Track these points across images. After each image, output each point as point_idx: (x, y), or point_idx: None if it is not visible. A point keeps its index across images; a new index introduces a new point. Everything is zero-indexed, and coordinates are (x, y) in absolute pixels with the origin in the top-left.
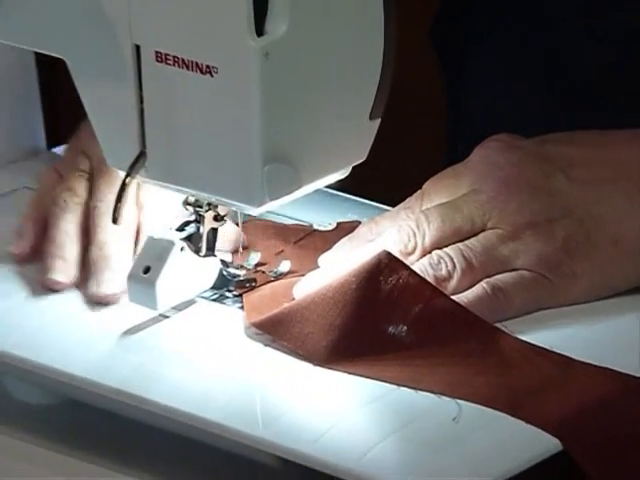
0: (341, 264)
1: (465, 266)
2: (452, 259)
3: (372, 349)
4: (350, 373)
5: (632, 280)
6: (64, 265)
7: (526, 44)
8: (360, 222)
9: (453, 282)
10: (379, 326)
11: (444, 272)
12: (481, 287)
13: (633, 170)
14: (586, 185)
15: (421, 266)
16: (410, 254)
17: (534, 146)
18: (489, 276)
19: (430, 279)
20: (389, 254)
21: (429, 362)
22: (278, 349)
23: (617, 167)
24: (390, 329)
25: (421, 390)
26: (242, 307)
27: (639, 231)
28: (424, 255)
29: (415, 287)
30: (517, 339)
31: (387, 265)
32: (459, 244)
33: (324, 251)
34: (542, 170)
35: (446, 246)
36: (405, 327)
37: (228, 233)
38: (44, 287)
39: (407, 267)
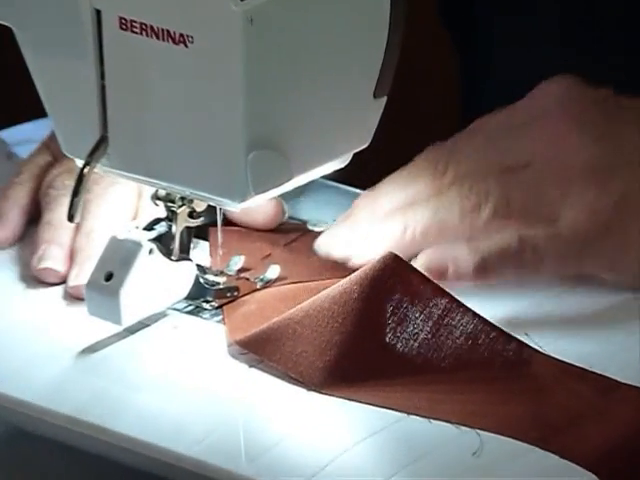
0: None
1: (500, 199)
2: (487, 189)
3: (377, 371)
4: (351, 399)
5: None
6: (61, 253)
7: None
8: None
9: (483, 216)
10: (385, 344)
11: (473, 202)
12: (508, 236)
13: None
14: None
15: (449, 197)
16: (441, 177)
17: (607, 91)
18: (527, 220)
19: (456, 214)
20: (396, 257)
21: (445, 387)
22: (266, 371)
23: None
24: (399, 347)
25: (435, 419)
26: (222, 321)
27: None
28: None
29: (428, 296)
30: (549, 358)
31: (394, 270)
32: (500, 175)
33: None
34: (611, 115)
35: None
36: (416, 344)
37: (265, 207)
38: (36, 276)
39: (418, 272)
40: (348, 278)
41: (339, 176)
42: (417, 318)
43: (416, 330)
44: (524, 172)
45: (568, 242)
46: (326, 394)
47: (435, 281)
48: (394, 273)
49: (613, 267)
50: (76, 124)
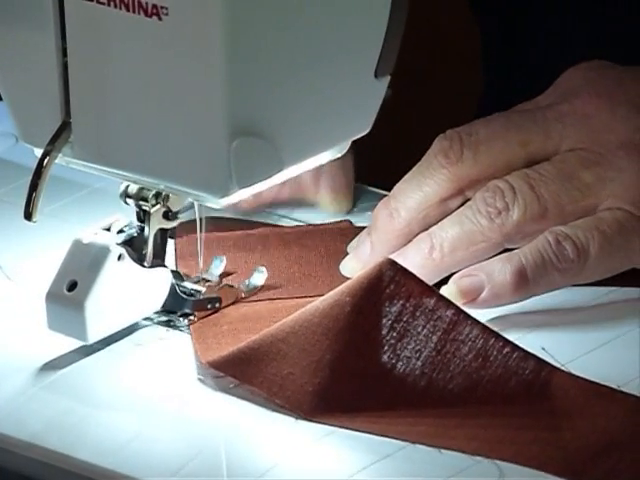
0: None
1: (530, 196)
2: (512, 187)
3: (375, 395)
4: (346, 428)
5: None
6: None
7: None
8: (350, 223)
9: (512, 219)
10: (384, 363)
11: (499, 204)
12: (543, 237)
13: None
14: None
15: (472, 203)
16: (456, 163)
17: (637, 67)
18: (563, 215)
19: (483, 222)
20: (394, 263)
21: (454, 411)
22: (246, 398)
23: None
24: (399, 367)
25: (446, 449)
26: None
27: None
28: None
29: (432, 308)
30: (572, 376)
31: (392, 278)
32: (525, 169)
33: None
34: None
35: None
36: (419, 363)
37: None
38: None
39: (418, 279)
40: (339, 288)
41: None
42: (420, 333)
43: (419, 347)
44: (552, 161)
45: (612, 232)
46: (318, 422)
47: (473, 306)
48: (392, 281)
49: None
50: (34, 108)
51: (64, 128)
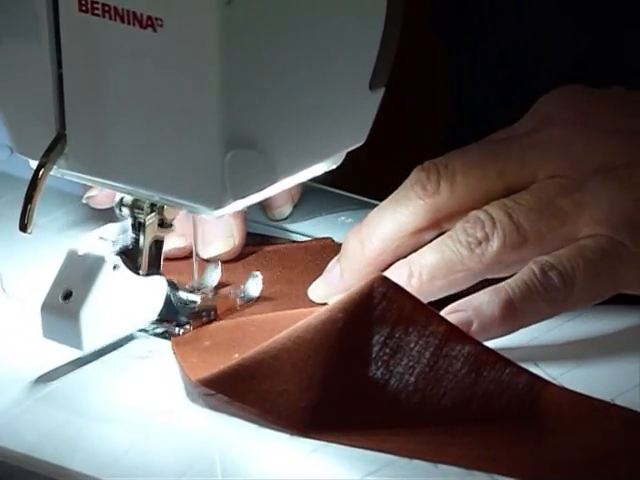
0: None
1: (509, 226)
2: (492, 217)
3: (369, 410)
4: (341, 443)
5: None
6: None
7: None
8: (332, 240)
9: (493, 246)
10: (377, 379)
11: (479, 234)
12: (529, 269)
13: None
14: None
15: (452, 233)
16: (433, 196)
17: (617, 89)
18: (544, 243)
19: (463, 251)
20: (385, 279)
21: (448, 427)
22: (237, 415)
23: None
24: (392, 382)
25: (442, 463)
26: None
27: None
28: (450, 216)
29: (424, 323)
30: (566, 391)
31: (384, 294)
32: (503, 199)
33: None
34: (624, 110)
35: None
36: (412, 379)
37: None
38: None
39: (411, 295)
40: (331, 305)
41: (329, 179)
42: (412, 349)
43: (412, 363)
44: (530, 189)
45: (597, 258)
46: (311, 438)
47: None
48: (384, 297)
49: None
50: (29, 120)
51: (59, 140)
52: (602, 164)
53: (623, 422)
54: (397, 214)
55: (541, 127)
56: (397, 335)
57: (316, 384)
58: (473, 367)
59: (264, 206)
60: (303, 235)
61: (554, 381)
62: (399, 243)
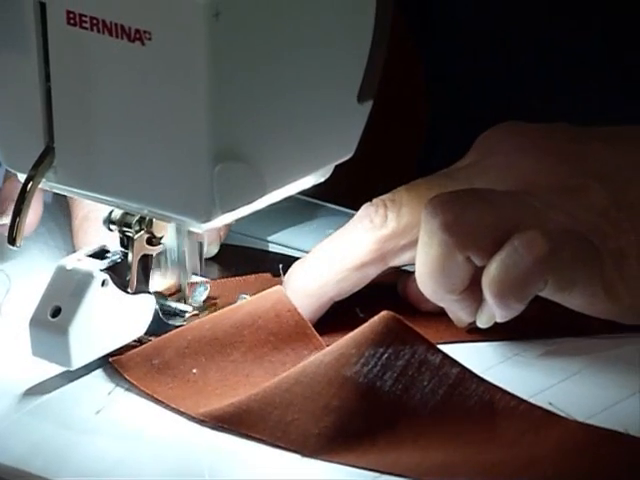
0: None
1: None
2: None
3: (383, 435)
4: (353, 466)
5: None
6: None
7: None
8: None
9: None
10: (391, 408)
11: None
12: (510, 243)
13: None
14: (630, 154)
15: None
16: (379, 229)
17: (560, 123)
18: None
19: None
20: (397, 319)
21: (461, 448)
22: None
23: None
24: (406, 410)
25: None
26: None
27: None
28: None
29: (437, 365)
30: (579, 423)
31: (397, 334)
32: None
33: None
34: (576, 136)
35: None
36: (426, 412)
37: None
38: None
39: (423, 338)
40: (343, 341)
41: (318, 192)
42: (425, 387)
43: (425, 398)
44: None
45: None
46: (324, 460)
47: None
48: (397, 338)
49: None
50: (17, 133)
51: (47, 153)
52: (556, 183)
53: (635, 451)
54: (342, 247)
55: (488, 155)
56: (410, 373)
57: (329, 412)
58: (487, 404)
59: None
60: (289, 248)
61: (569, 417)
62: (342, 276)
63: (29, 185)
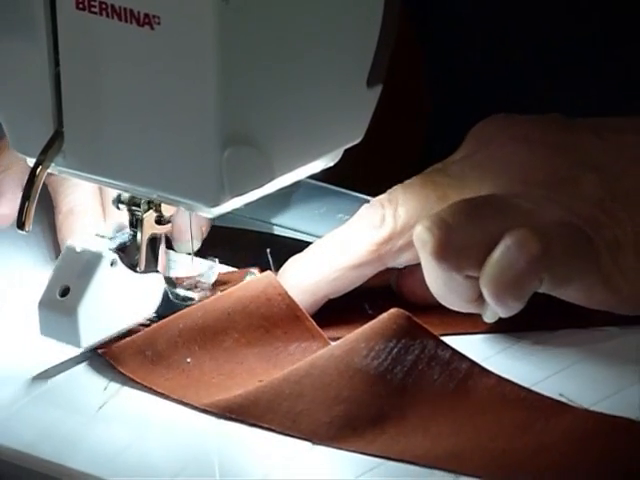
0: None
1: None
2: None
3: (393, 423)
4: (362, 453)
5: None
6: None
7: None
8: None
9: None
10: (402, 399)
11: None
12: (503, 242)
13: None
14: (623, 147)
15: None
16: (379, 229)
17: (553, 114)
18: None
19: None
20: (408, 316)
21: (471, 435)
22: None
23: None
24: (417, 401)
25: (464, 475)
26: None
27: None
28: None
29: (446, 360)
30: (588, 411)
31: (407, 331)
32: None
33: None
34: (568, 127)
35: None
36: (437, 402)
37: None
38: None
39: (432, 335)
40: (353, 335)
41: (327, 176)
42: (436, 380)
43: (436, 391)
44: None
45: (569, 231)
46: (334, 447)
47: None
48: (407, 334)
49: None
50: (27, 118)
51: (56, 137)
52: (548, 177)
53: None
54: (340, 246)
55: (480, 149)
56: (420, 367)
57: (340, 402)
58: (498, 396)
59: (173, 237)
60: (299, 232)
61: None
62: (338, 275)
63: (38, 169)
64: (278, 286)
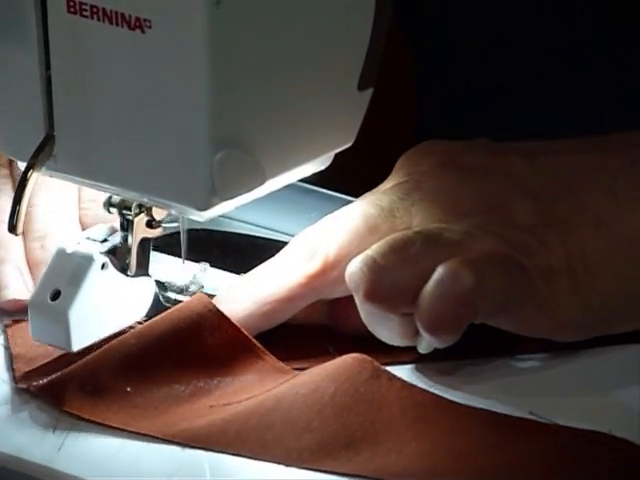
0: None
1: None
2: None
3: (367, 445)
4: (339, 474)
5: (630, 290)
6: (20, 277)
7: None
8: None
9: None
10: (371, 425)
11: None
12: (435, 276)
13: (608, 157)
14: (552, 170)
15: None
16: (309, 260)
17: (482, 140)
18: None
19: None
20: (366, 359)
21: (446, 455)
22: None
23: (586, 158)
24: (389, 425)
25: None
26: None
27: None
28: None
29: (411, 396)
30: (562, 427)
31: (372, 374)
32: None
33: None
34: (496, 152)
35: None
36: (407, 428)
37: None
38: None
39: (392, 375)
40: (318, 376)
41: (319, 179)
42: (399, 412)
43: (407, 420)
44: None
45: (501, 261)
46: (309, 469)
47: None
48: (371, 376)
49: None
50: (18, 121)
51: (48, 141)
52: (478, 205)
53: (621, 454)
54: (271, 278)
55: (409, 178)
56: (388, 399)
57: (310, 431)
58: (466, 419)
59: None
60: (290, 236)
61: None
62: (269, 308)
63: (29, 173)
64: (208, 303)
